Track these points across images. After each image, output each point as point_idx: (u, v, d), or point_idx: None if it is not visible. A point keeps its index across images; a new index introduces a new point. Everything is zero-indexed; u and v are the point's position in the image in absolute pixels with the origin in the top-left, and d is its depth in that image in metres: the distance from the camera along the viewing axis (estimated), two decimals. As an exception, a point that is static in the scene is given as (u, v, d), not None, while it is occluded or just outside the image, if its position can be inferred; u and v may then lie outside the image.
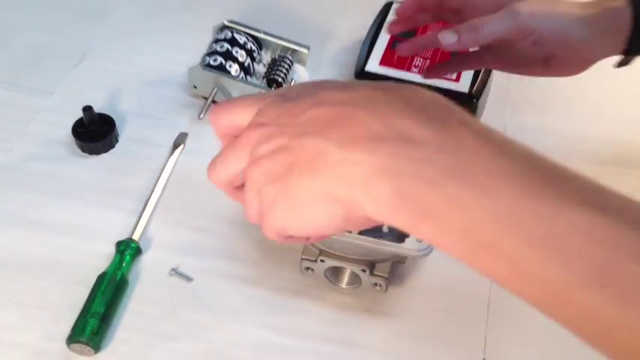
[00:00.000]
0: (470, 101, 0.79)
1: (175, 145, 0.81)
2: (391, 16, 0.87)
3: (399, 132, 0.38)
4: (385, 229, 0.63)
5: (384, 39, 0.85)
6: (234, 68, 0.82)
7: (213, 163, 0.48)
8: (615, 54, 0.67)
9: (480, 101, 0.80)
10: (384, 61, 0.83)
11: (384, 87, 0.41)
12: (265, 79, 0.84)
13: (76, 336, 0.63)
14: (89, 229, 0.74)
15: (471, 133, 0.37)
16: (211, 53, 0.83)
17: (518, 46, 0.65)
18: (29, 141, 0.82)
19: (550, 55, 0.66)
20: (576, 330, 0.35)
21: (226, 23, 0.85)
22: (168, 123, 0.84)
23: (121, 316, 0.67)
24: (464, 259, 0.37)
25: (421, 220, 0.37)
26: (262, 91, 0.81)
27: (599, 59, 0.67)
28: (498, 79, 0.87)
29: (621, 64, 0.69)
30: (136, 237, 0.72)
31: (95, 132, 0.80)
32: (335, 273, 0.68)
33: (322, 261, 0.65)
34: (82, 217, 0.75)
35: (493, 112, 0.85)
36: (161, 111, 0.86)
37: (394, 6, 0.88)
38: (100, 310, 0.65)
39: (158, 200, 0.76)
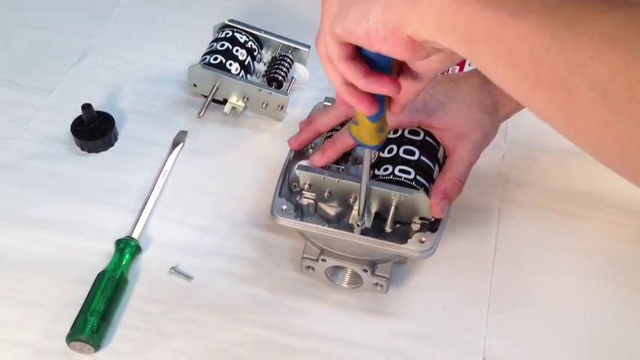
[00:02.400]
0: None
1: (175, 144, 0.81)
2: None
3: None
4: (388, 229, 0.63)
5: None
6: (234, 67, 0.82)
7: None
8: None
9: (481, 101, 0.80)
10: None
11: None
12: (266, 78, 0.84)
13: (76, 334, 0.63)
14: (88, 227, 0.74)
15: None
16: (211, 52, 0.83)
17: None
18: (29, 139, 0.82)
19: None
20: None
21: (227, 22, 0.85)
22: (168, 121, 0.84)
23: (121, 314, 0.67)
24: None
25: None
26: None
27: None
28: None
29: None
30: (135, 235, 0.72)
31: (94, 130, 0.80)
32: (336, 272, 0.68)
33: (323, 260, 0.65)
34: (81, 215, 0.75)
35: (493, 112, 0.85)
36: (161, 109, 0.86)
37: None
38: (99, 308, 0.65)
39: (158, 198, 0.76)
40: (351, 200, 0.64)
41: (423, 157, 0.65)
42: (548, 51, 0.36)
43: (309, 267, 0.67)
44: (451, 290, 0.70)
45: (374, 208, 0.64)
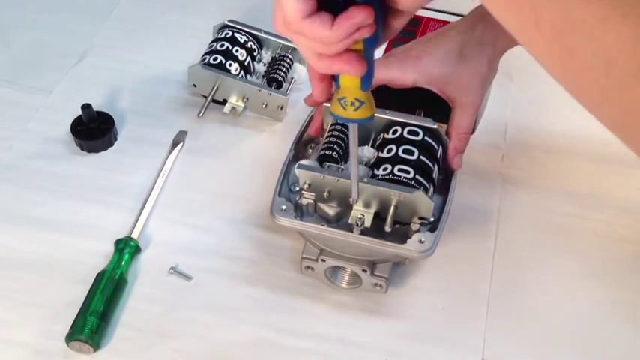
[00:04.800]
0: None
1: (174, 144, 0.81)
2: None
3: None
4: (387, 229, 0.63)
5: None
6: (233, 67, 0.82)
7: None
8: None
9: (480, 101, 0.80)
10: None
11: None
12: (265, 78, 0.84)
13: (75, 334, 0.63)
14: (88, 227, 0.74)
15: None
16: (211, 52, 0.83)
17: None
18: (28, 139, 0.82)
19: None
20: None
21: (227, 22, 0.85)
22: (168, 121, 0.84)
23: (120, 314, 0.67)
24: None
25: None
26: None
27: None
28: (498, 78, 0.87)
29: None
30: (135, 235, 0.72)
31: (94, 130, 0.80)
32: (335, 273, 0.68)
33: (323, 260, 0.65)
34: (80, 215, 0.75)
35: (493, 112, 0.85)
36: (160, 109, 0.86)
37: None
38: (99, 308, 0.65)
39: (157, 198, 0.76)
40: (351, 200, 0.64)
41: (422, 157, 0.65)
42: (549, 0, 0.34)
43: (308, 267, 0.67)
44: (450, 290, 0.70)
45: (373, 208, 0.64)
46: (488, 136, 0.82)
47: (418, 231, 0.63)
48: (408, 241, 0.62)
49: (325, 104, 0.68)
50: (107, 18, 0.97)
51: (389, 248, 0.62)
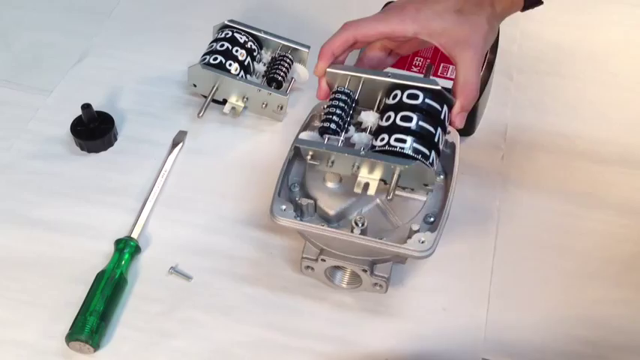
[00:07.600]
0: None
1: (174, 144, 0.81)
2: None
3: None
4: (389, 197, 0.61)
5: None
6: (233, 67, 0.82)
7: None
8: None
9: (480, 101, 0.80)
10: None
11: None
12: (265, 78, 0.84)
13: (75, 334, 0.63)
14: (88, 227, 0.74)
15: None
16: (211, 52, 0.83)
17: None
18: (28, 139, 0.82)
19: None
20: None
21: (227, 23, 0.85)
22: (168, 121, 0.84)
23: (121, 314, 0.67)
24: None
25: None
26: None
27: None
28: (498, 78, 0.87)
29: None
30: (135, 235, 0.72)
31: (94, 130, 0.80)
32: (335, 273, 0.68)
33: (323, 260, 0.65)
34: (80, 215, 0.75)
35: (493, 112, 0.85)
36: (160, 109, 0.86)
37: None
38: (99, 308, 0.65)
39: (157, 198, 0.76)
40: (354, 168, 0.62)
41: (420, 122, 0.62)
42: None
43: (308, 267, 0.67)
44: (451, 290, 0.70)
45: (378, 175, 0.63)
46: (489, 136, 0.82)
47: (418, 231, 0.63)
48: (408, 241, 0.61)
49: (328, 69, 0.67)
50: (107, 18, 0.98)
51: (389, 248, 0.62)
